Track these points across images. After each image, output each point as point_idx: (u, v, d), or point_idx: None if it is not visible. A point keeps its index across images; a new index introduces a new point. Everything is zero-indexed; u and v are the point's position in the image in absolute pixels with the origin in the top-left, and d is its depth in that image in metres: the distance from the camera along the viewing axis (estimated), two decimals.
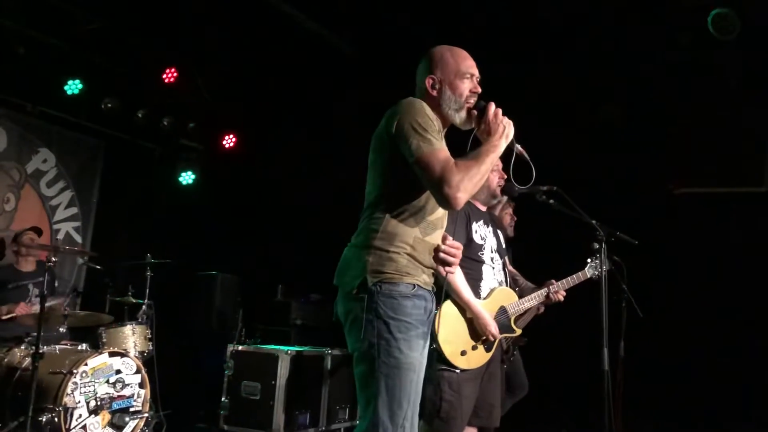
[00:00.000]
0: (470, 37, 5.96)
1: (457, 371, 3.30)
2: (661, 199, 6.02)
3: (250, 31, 6.47)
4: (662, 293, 5.49)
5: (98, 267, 5.72)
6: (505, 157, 2.56)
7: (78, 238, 6.98)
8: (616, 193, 5.84)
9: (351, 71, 6.96)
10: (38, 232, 5.70)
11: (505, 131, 2.41)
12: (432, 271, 2.49)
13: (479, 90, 2.54)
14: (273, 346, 5.70)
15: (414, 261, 2.39)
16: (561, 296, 3.65)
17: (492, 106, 2.44)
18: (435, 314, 2.50)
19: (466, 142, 2.59)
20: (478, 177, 2.31)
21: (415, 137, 2.33)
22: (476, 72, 2.55)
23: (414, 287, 2.37)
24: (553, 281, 3.66)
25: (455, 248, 2.48)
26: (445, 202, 2.30)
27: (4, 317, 5.09)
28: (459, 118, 2.52)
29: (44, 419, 4.23)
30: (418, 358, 2.34)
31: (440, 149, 2.33)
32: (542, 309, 3.89)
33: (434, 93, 2.52)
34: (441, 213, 2.50)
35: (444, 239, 2.49)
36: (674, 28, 5.65)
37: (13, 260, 5.64)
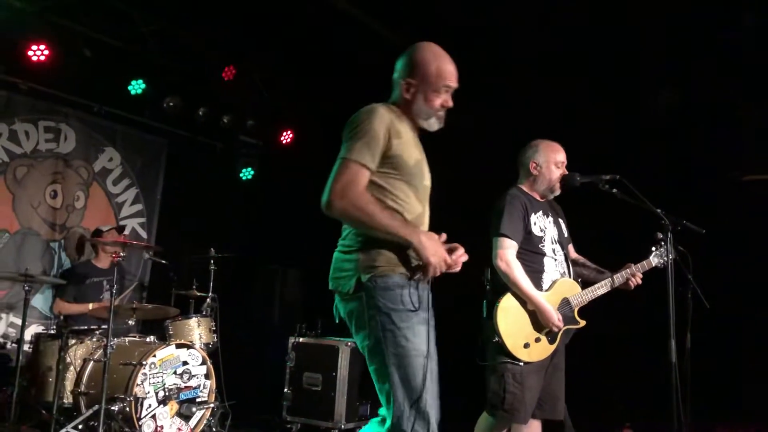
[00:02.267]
0: (521, 24, 5.94)
1: (521, 363, 3.29)
2: (727, 186, 5.83)
3: (305, 28, 6.52)
4: (729, 284, 5.33)
5: (163, 261, 5.88)
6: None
7: (143, 234, 7.19)
8: (679, 182, 5.69)
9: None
10: (120, 230, 5.93)
11: (432, 254, 2.38)
12: (418, 263, 2.48)
13: (450, 105, 2.62)
14: (333, 338, 5.76)
15: (401, 254, 2.43)
16: (639, 279, 3.58)
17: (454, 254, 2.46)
18: (427, 304, 2.51)
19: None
20: (361, 221, 2.37)
21: (349, 141, 2.45)
22: (454, 84, 2.62)
23: (406, 277, 2.42)
24: (618, 270, 3.58)
25: (457, 263, 2.49)
26: (323, 202, 2.40)
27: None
28: (428, 125, 2.63)
29: (116, 408, 4.38)
30: (424, 343, 2.39)
31: (359, 162, 2.40)
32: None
33: (407, 96, 2.61)
34: (420, 210, 2.55)
35: (454, 250, 2.48)
36: (738, 8, 5.46)
37: (92, 256, 5.86)
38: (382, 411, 2.48)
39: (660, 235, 3.52)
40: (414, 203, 2.53)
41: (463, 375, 4.95)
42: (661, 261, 3.55)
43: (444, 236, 2.51)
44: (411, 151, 2.55)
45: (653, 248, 3.60)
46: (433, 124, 2.64)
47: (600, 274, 3.63)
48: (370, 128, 2.44)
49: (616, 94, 6.05)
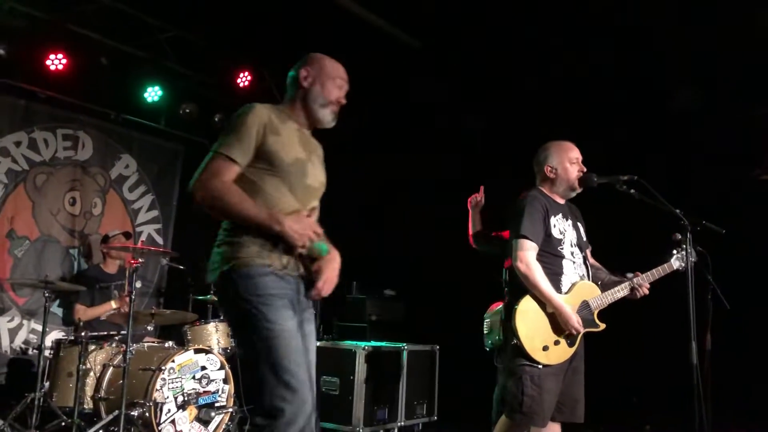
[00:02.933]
0: (539, 25, 5.94)
1: (539, 366, 3.27)
2: (745, 186, 5.79)
3: (318, 31, 6.54)
4: (749, 284, 5.28)
5: (181, 267, 5.91)
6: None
7: (159, 240, 7.24)
8: (698, 182, 5.65)
9: (420, 67, 6.96)
10: (127, 236, 5.97)
11: (294, 232, 2.45)
12: (291, 257, 2.53)
13: (344, 102, 2.75)
14: (350, 342, 5.77)
15: (266, 249, 2.48)
16: (645, 290, 3.55)
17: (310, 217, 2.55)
18: (301, 300, 2.57)
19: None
20: (222, 210, 2.46)
21: (222, 136, 2.54)
22: (346, 84, 2.78)
23: (270, 267, 2.47)
24: (639, 273, 3.56)
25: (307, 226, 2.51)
26: (191, 192, 2.50)
27: (106, 313, 5.35)
28: (322, 116, 2.76)
29: (136, 413, 4.39)
30: (291, 326, 2.44)
31: (227, 155, 2.48)
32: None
33: (305, 85, 2.73)
34: (296, 208, 2.58)
35: (304, 218, 2.54)
36: (756, 4, 5.42)
37: (101, 261, 5.91)
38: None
39: (679, 236, 3.49)
40: (288, 200, 2.56)
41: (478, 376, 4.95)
42: (682, 264, 3.51)
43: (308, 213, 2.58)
44: (290, 149, 2.60)
45: (674, 251, 3.57)
46: (327, 116, 2.75)
47: (616, 280, 3.60)
48: (243, 124, 2.52)
49: (634, 94, 6.03)
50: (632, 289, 3.52)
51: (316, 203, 2.71)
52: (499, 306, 3.69)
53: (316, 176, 2.71)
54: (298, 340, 2.45)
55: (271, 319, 2.40)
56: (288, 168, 2.57)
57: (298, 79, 2.74)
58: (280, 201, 2.54)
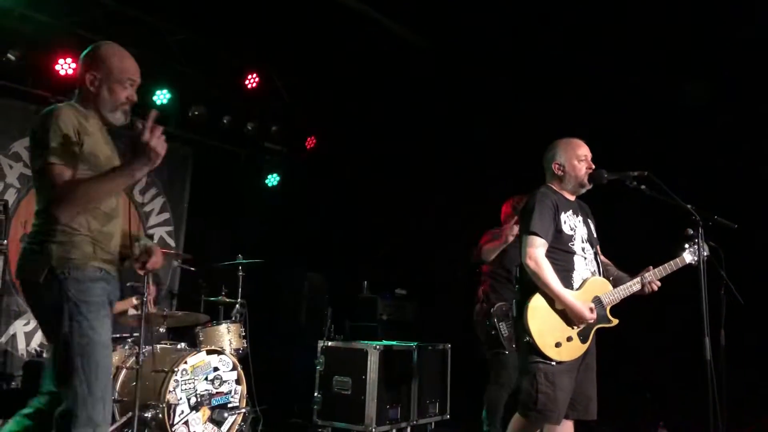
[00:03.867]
0: (544, 21, 5.92)
1: (553, 363, 3.26)
2: (756, 180, 5.75)
3: (326, 33, 6.56)
4: (763, 279, 5.24)
5: (192, 269, 5.93)
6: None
7: (171, 242, 7.27)
8: (708, 177, 5.61)
9: (427, 68, 6.96)
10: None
11: (151, 163, 2.47)
12: (113, 257, 2.65)
13: (135, 99, 2.70)
14: (362, 342, 5.77)
15: (96, 245, 2.56)
16: (655, 286, 3.53)
17: (151, 135, 2.45)
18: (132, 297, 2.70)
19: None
20: (88, 200, 2.49)
21: (42, 146, 2.49)
22: (137, 78, 2.72)
23: (101, 271, 2.56)
24: (651, 267, 3.54)
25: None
26: (53, 212, 2.48)
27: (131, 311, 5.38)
28: (113, 118, 2.70)
29: (149, 415, 4.42)
30: (108, 336, 2.54)
31: (57, 163, 2.47)
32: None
33: (92, 89, 2.67)
34: (114, 204, 2.66)
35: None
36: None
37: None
38: (37, 402, 2.62)
39: (691, 231, 3.48)
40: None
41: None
42: (695, 258, 3.50)
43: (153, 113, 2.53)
44: (101, 148, 2.63)
45: (686, 245, 3.55)
46: (119, 118, 2.72)
47: (626, 276, 3.59)
48: (53, 134, 2.50)
49: (644, 90, 6.00)
50: (642, 285, 3.51)
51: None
52: None
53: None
54: (110, 348, 2.55)
55: (95, 328, 2.48)
56: (103, 166, 2.59)
57: (85, 80, 2.68)
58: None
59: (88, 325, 2.47)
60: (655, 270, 3.52)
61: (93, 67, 2.69)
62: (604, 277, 3.55)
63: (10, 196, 6.01)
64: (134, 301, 5.43)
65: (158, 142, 2.46)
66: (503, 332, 4.81)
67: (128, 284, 5.60)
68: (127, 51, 2.79)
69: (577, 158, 3.53)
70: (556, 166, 3.54)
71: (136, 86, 2.73)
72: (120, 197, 2.72)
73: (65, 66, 6.00)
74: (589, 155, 3.57)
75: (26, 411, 2.65)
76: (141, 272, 2.81)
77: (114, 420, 4.57)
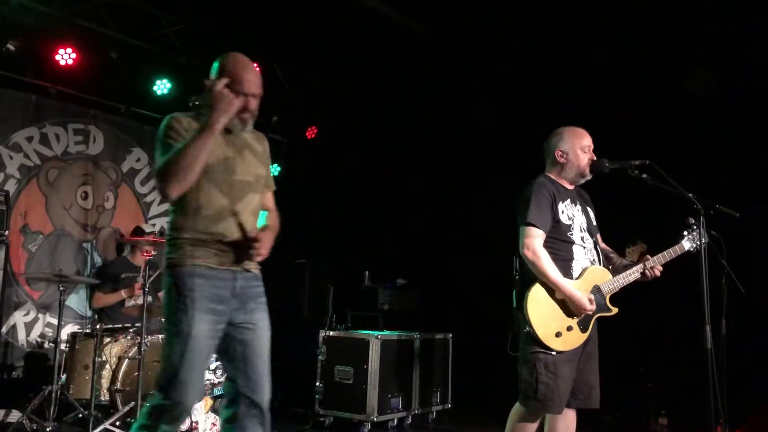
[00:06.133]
0: (547, 13, 5.89)
1: (553, 353, 3.26)
2: (756, 169, 5.73)
3: (326, 22, 6.53)
4: (764, 268, 5.24)
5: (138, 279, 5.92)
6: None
7: None
8: (709, 165, 5.60)
9: (429, 57, 6.94)
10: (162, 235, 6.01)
11: (224, 109, 2.63)
12: (229, 252, 2.70)
13: (254, 109, 2.78)
14: (364, 331, 5.78)
15: (199, 245, 2.65)
16: (658, 272, 3.52)
17: (218, 84, 2.66)
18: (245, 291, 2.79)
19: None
20: (184, 173, 2.56)
21: (155, 154, 2.70)
22: (258, 92, 2.79)
23: (200, 267, 2.64)
24: (649, 256, 3.54)
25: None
26: (171, 203, 2.70)
27: (128, 301, 5.41)
28: (232, 125, 2.75)
29: None
30: (202, 329, 2.59)
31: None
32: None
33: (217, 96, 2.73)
34: (224, 204, 2.70)
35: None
36: None
37: (128, 253, 5.94)
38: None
39: (692, 220, 3.47)
40: (215, 198, 2.69)
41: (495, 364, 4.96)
42: (694, 245, 3.49)
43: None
44: (213, 150, 2.67)
45: (685, 232, 3.54)
46: (237, 126, 2.78)
47: (627, 264, 3.58)
48: (167, 137, 2.68)
49: (647, 78, 5.98)
50: (644, 272, 3.50)
51: (252, 196, 2.82)
52: None
53: (247, 170, 2.80)
54: (202, 341, 2.60)
55: (191, 324, 2.57)
56: (213, 168, 2.67)
57: (211, 87, 2.76)
58: (206, 200, 2.67)
59: (181, 318, 2.58)
60: (654, 258, 3.52)
61: (220, 74, 2.77)
62: (604, 265, 3.55)
63: (11, 187, 6.00)
64: (123, 294, 5.46)
65: (225, 90, 2.64)
66: None
67: (122, 275, 5.63)
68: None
69: (581, 148, 3.51)
70: (560, 152, 3.52)
71: (257, 99, 2.79)
72: (241, 197, 2.76)
73: (65, 56, 5.99)
74: (592, 146, 3.56)
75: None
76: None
77: (117, 410, 4.61)
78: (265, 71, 7.19)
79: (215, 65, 2.82)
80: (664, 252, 3.54)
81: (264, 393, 2.81)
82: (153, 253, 4.82)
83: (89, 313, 6.04)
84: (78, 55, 6.04)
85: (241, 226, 2.71)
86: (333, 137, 7.99)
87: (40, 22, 5.82)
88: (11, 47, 5.68)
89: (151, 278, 4.85)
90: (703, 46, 5.70)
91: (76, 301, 6.28)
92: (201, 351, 2.60)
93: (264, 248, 2.74)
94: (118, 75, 6.42)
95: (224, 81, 2.66)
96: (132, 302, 5.42)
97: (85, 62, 6.10)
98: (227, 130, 2.75)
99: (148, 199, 7.10)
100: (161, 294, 5.68)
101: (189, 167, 2.56)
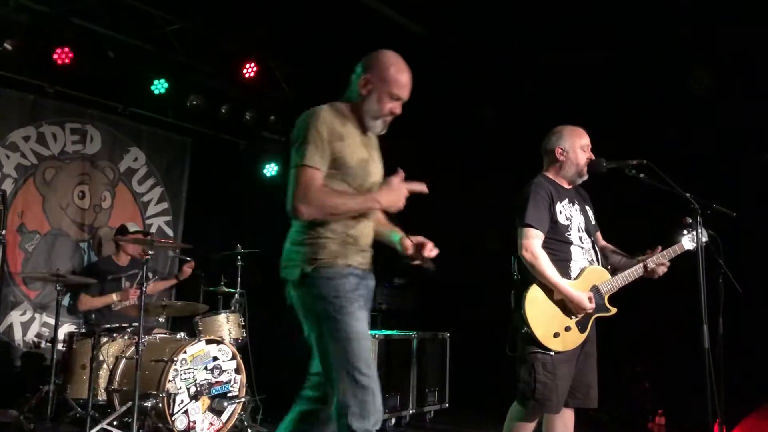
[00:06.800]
0: (548, 13, 5.89)
1: (551, 353, 3.27)
2: (756, 169, 5.74)
3: (324, 20, 6.52)
4: (761, 267, 5.25)
5: (188, 259, 5.92)
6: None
7: (169, 232, 7.26)
8: (708, 165, 5.60)
9: (426, 56, 6.92)
10: (146, 236, 6.01)
11: (391, 203, 2.66)
12: (367, 252, 2.74)
13: (398, 113, 2.76)
14: None
15: (345, 245, 2.63)
16: (665, 267, 3.51)
17: (398, 177, 2.68)
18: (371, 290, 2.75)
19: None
20: (329, 214, 2.57)
21: (299, 148, 2.60)
22: (405, 96, 2.75)
23: (348, 267, 2.61)
24: (649, 251, 3.53)
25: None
26: (289, 211, 2.59)
27: (115, 306, 5.40)
28: (373, 125, 2.77)
29: (149, 404, 4.44)
30: (365, 326, 2.57)
31: (312, 165, 2.56)
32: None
33: (363, 92, 2.73)
34: None
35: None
36: None
37: (113, 252, 5.94)
38: (308, 393, 2.76)
39: (689, 220, 3.47)
40: None
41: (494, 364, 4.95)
42: (694, 244, 3.49)
43: (401, 172, 2.71)
44: (354, 151, 2.68)
45: (684, 231, 3.54)
46: (377, 126, 2.78)
47: (629, 261, 3.58)
48: (315, 132, 2.59)
49: (647, 78, 5.98)
50: (651, 270, 3.49)
51: None
52: None
53: (377, 172, 2.82)
54: (369, 340, 2.57)
55: (349, 323, 2.52)
56: (353, 170, 2.67)
57: (359, 83, 2.75)
58: None
59: (342, 320, 2.52)
60: (653, 257, 3.51)
61: (370, 72, 2.74)
62: (604, 264, 3.55)
63: (7, 186, 5.99)
64: (114, 298, 5.47)
65: (403, 195, 2.67)
66: None
67: (109, 276, 5.63)
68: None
69: (580, 146, 3.51)
70: (559, 150, 3.52)
71: (403, 101, 2.77)
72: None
73: (62, 55, 5.97)
74: (590, 146, 3.56)
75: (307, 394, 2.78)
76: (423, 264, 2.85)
77: (114, 409, 4.60)
78: (263, 70, 7.19)
79: (371, 59, 2.77)
80: (664, 251, 3.54)
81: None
82: (150, 252, 4.80)
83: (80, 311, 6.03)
84: (75, 55, 6.03)
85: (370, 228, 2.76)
86: None
87: (37, 21, 5.81)
88: (8, 46, 5.66)
89: (138, 277, 4.84)
90: (703, 46, 5.70)
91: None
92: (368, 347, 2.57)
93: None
94: (115, 74, 6.41)
95: (401, 174, 2.69)
96: (123, 303, 5.41)
97: (83, 62, 6.08)
98: (364, 130, 2.75)
99: (145, 198, 7.09)
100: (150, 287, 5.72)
101: (335, 215, 2.59)
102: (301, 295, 2.62)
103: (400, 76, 2.73)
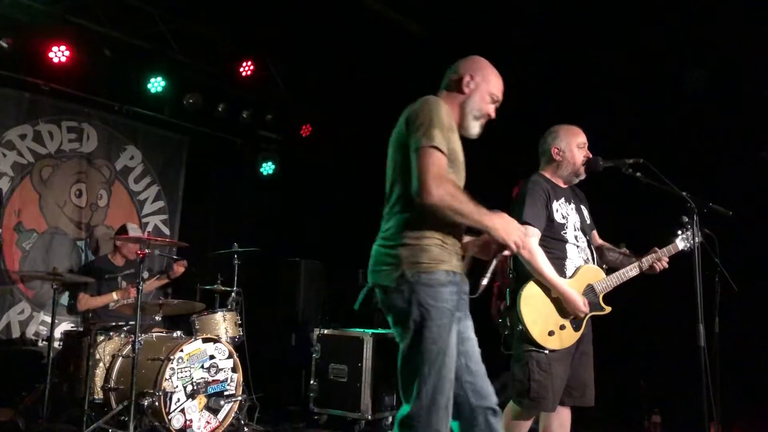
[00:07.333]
0: (547, 13, 5.89)
1: (546, 351, 3.27)
2: (752, 167, 5.75)
3: (321, 19, 6.51)
4: (757, 266, 5.26)
5: (176, 258, 5.91)
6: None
7: (166, 231, 7.25)
8: (704, 163, 5.61)
9: (424, 55, 6.92)
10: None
11: (505, 234, 2.46)
12: (459, 258, 2.58)
13: (493, 116, 2.72)
14: (358, 329, 5.78)
15: (445, 248, 2.49)
16: (665, 263, 3.52)
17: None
18: (466, 295, 2.61)
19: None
20: (454, 209, 2.39)
21: (425, 129, 2.42)
22: (501, 98, 2.72)
23: (449, 273, 2.47)
24: (656, 249, 3.55)
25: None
26: (417, 192, 2.39)
27: (114, 304, 5.39)
28: (471, 126, 2.69)
29: (146, 403, 4.43)
30: (455, 341, 2.45)
31: (441, 148, 2.42)
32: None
33: (466, 90, 2.67)
34: None
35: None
36: None
37: (109, 252, 5.93)
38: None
39: (686, 219, 3.48)
40: None
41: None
42: (688, 244, 3.51)
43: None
44: (459, 147, 2.60)
45: (679, 231, 3.56)
46: (475, 127, 2.71)
47: (626, 259, 3.59)
48: (441, 117, 2.47)
49: (640, 76, 5.98)
50: (650, 266, 3.50)
51: None
52: None
53: (464, 173, 2.71)
54: (454, 355, 2.44)
55: (443, 336, 2.40)
56: (459, 166, 2.59)
57: (461, 81, 2.70)
58: None
59: (437, 331, 2.40)
60: (648, 256, 3.53)
61: (473, 70, 2.71)
62: (600, 263, 3.56)
63: (4, 185, 5.98)
64: (114, 296, 5.46)
65: (518, 231, 2.49)
66: None
67: (106, 276, 5.63)
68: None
69: (577, 145, 3.52)
70: (556, 150, 3.53)
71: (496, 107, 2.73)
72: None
73: (59, 53, 5.96)
74: (587, 144, 3.57)
75: None
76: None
77: (110, 408, 4.60)
78: (260, 69, 7.18)
79: (471, 61, 2.76)
80: (658, 252, 3.55)
81: (494, 396, 2.57)
82: (147, 251, 4.80)
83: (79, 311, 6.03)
84: (72, 53, 6.01)
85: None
86: (327, 135, 7.99)
87: (33, 19, 5.80)
88: (4, 44, 5.65)
89: (135, 276, 4.84)
90: (703, 46, 5.71)
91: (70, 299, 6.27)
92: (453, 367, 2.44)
93: None
94: (112, 73, 6.40)
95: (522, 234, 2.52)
96: (122, 302, 5.41)
97: (79, 60, 6.08)
98: (459, 130, 2.66)
99: (142, 197, 7.08)
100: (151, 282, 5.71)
101: (454, 212, 2.40)
102: (395, 300, 2.46)
103: (498, 78, 2.73)
